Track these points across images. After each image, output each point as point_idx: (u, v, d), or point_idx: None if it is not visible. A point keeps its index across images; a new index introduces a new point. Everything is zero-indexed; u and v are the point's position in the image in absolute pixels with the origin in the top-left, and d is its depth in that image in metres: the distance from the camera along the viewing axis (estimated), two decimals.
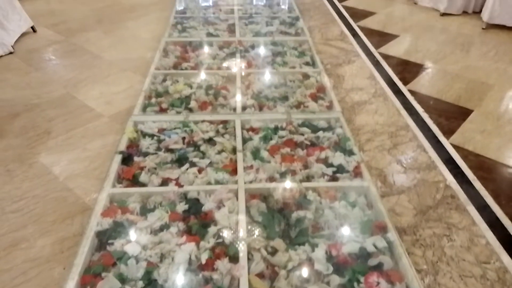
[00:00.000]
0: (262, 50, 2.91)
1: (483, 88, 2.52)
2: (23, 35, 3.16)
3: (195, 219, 1.50)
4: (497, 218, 1.60)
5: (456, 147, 1.99)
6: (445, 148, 1.98)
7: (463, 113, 2.26)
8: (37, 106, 2.29)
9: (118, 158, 1.80)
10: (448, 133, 2.10)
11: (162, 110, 2.20)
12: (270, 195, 1.60)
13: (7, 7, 3.06)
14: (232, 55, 2.84)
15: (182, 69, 2.63)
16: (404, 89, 2.49)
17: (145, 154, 1.86)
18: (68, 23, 3.45)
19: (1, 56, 2.84)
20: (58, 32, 3.27)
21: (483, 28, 3.37)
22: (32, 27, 3.27)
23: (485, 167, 1.87)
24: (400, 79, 2.60)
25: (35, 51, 2.97)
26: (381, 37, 3.23)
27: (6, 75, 2.63)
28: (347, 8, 3.84)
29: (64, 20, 3.52)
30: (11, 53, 2.89)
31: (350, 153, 1.86)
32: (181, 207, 1.54)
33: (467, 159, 1.91)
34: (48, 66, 2.77)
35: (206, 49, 2.91)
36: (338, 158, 1.81)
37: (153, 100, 2.28)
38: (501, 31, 3.31)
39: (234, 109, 2.21)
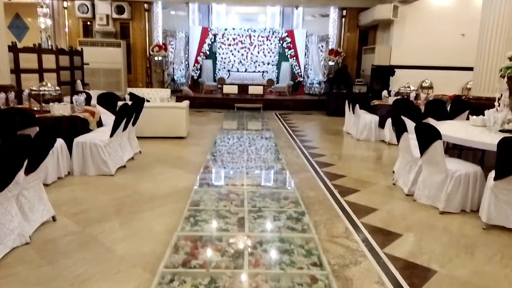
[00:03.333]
0: (269, 247, 2.99)
1: None
2: (42, 224, 3.33)
3: None
4: None
5: None
6: None
7: None
8: None
9: None
10: None
11: None
12: None
13: (35, 199, 3.32)
14: (240, 252, 2.90)
15: (190, 267, 2.67)
16: None
17: None
18: (87, 213, 3.66)
19: (17, 246, 2.93)
20: (76, 222, 3.45)
21: (483, 228, 3.49)
22: (52, 217, 3.46)
23: None
24: (409, 284, 2.58)
25: (51, 242, 3.08)
26: (385, 236, 3.33)
27: (18, 269, 2.67)
28: (349, 204, 4.07)
29: (84, 209, 3.75)
30: (27, 243, 3.00)
31: None
32: None
33: None
34: (60, 259, 2.83)
35: (215, 245, 3.00)
36: None
37: None
38: (502, 232, 3.41)
39: None
